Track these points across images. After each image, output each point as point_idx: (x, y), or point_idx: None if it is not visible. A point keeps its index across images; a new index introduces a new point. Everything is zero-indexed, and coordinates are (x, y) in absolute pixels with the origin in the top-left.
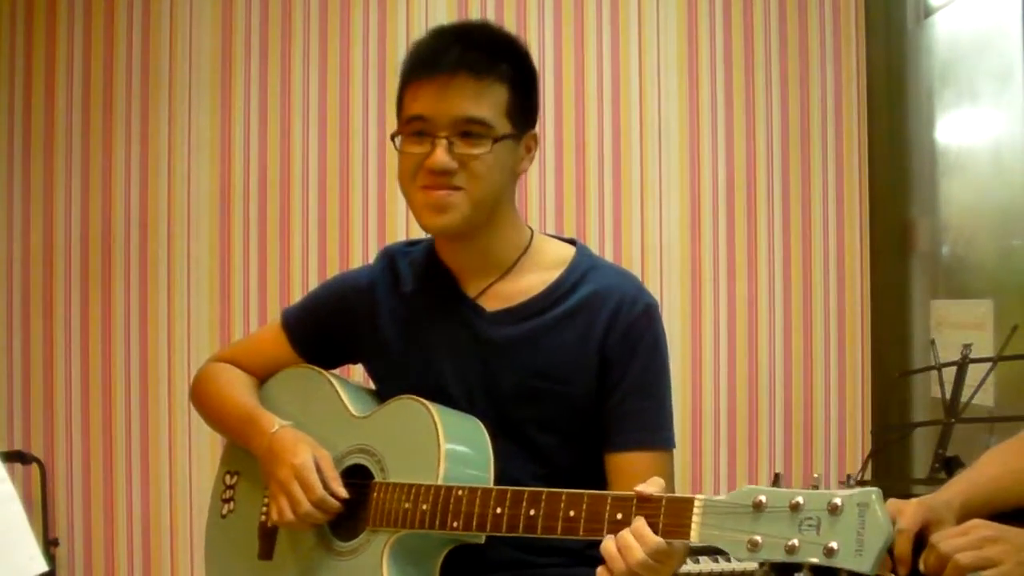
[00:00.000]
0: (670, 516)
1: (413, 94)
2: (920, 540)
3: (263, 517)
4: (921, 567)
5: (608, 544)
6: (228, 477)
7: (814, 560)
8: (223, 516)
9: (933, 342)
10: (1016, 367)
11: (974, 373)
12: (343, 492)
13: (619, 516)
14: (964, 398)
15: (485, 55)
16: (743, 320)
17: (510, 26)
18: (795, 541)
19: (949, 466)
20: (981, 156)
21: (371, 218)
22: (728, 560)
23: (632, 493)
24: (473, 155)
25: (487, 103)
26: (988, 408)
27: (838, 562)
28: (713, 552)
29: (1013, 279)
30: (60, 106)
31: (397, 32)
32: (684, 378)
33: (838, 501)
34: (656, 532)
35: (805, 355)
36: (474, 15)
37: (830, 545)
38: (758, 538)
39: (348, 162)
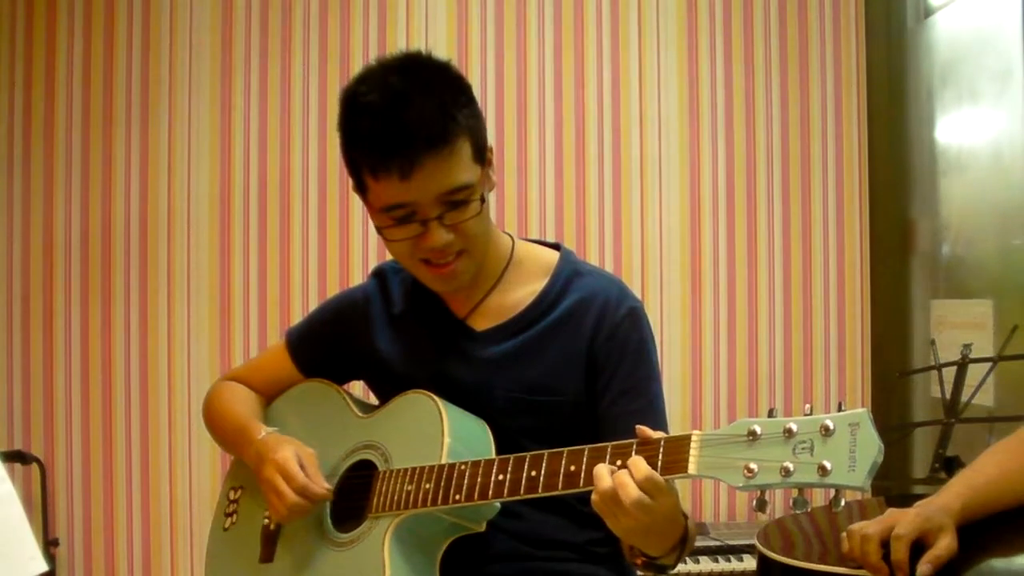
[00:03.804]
0: (669, 453)
1: (381, 184)
2: (917, 548)
3: (266, 521)
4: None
5: (600, 466)
6: (232, 492)
7: (809, 480)
8: (225, 529)
9: (933, 342)
10: (1016, 367)
11: (974, 373)
12: (323, 483)
13: (619, 463)
14: (964, 398)
15: (442, 117)
16: (743, 320)
17: (510, 27)
18: (790, 464)
19: (949, 466)
20: (981, 156)
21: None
22: (728, 560)
23: (631, 441)
24: (465, 219)
25: (460, 165)
26: (988, 408)
27: (832, 480)
28: (713, 552)
29: (1013, 279)
30: (60, 106)
31: (397, 32)
32: (684, 378)
33: (830, 423)
34: (656, 470)
35: (805, 355)
36: (474, 16)
37: (823, 464)
38: (754, 464)
39: None
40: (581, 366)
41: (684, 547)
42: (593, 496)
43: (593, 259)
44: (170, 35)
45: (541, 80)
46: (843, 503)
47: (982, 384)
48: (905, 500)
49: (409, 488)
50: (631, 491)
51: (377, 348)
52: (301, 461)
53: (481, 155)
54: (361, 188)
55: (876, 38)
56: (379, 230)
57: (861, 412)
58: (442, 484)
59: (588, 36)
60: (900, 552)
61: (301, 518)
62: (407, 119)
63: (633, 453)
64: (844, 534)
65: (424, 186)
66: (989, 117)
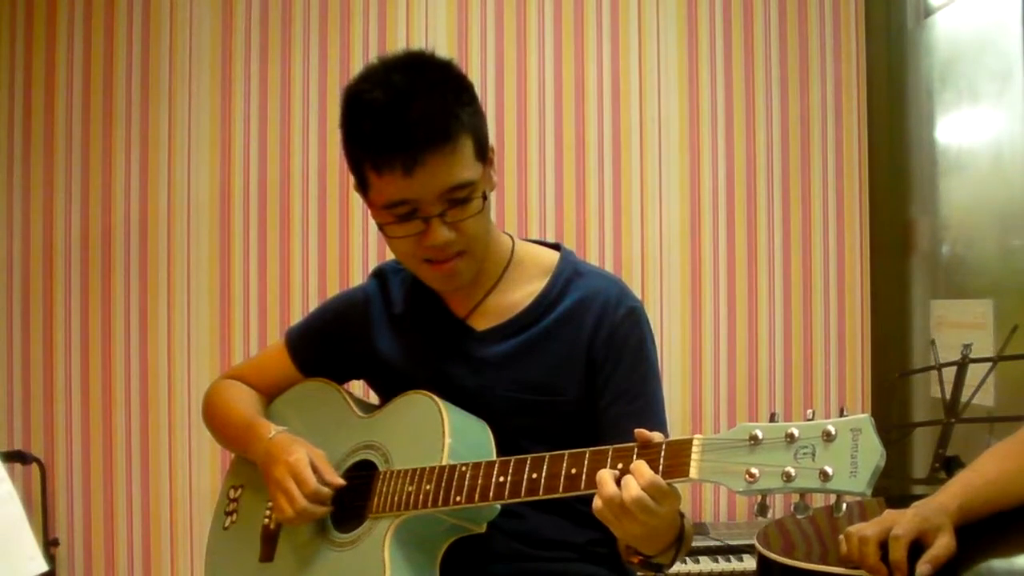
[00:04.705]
0: (670, 457)
1: (384, 180)
2: (916, 548)
3: (266, 520)
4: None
5: (603, 471)
6: (232, 491)
7: (811, 486)
8: (225, 528)
9: (933, 342)
10: (1016, 367)
11: (974, 373)
12: (338, 480)
13: (620, 466)
14: (964, 398)
15: (445, 115)
16: (743, 320)
17: (510, 27)
18: (791, 469)
19: (949, 466)
20: (981, 156)
21: (370, 217)
22: (728, 560)
23: (632, 444)
24: (466, 217)
25: (462, 162)
26: (988, 408)
27: (833, 486)
28: (713, 552)
29: (1013, 279)
30: (60, 106)
31: (397, 31)
32: (684, 378)
33: (831, 428)
34: (657, 474)
35: (805, 355)
36: (474, 16)
37: (825, 469)
38: (755, 469)
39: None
40: (581, 366)
41: (681, 546)
42: (596, 502)
43: (593, 259)
44: (170, 35)
45: (541, 80)
46: (844, 508)
47: (982, 384)
48: (905, 501)
49: (410, 489)
50: (636, 496)
51: (377, 348)
52: (314, 464)
53: (483, 153)
54: (363, 185)
55: (876, 38)
56: (380, 227)
57: (863, 418)
58: (443, 485)
59: (588, 36)
60: (898, 552)
61: (307, 522)
62: (410, 116)
63: (635, 457)
64: (842, 536)
65: (427, 183)
66: (989, 117)
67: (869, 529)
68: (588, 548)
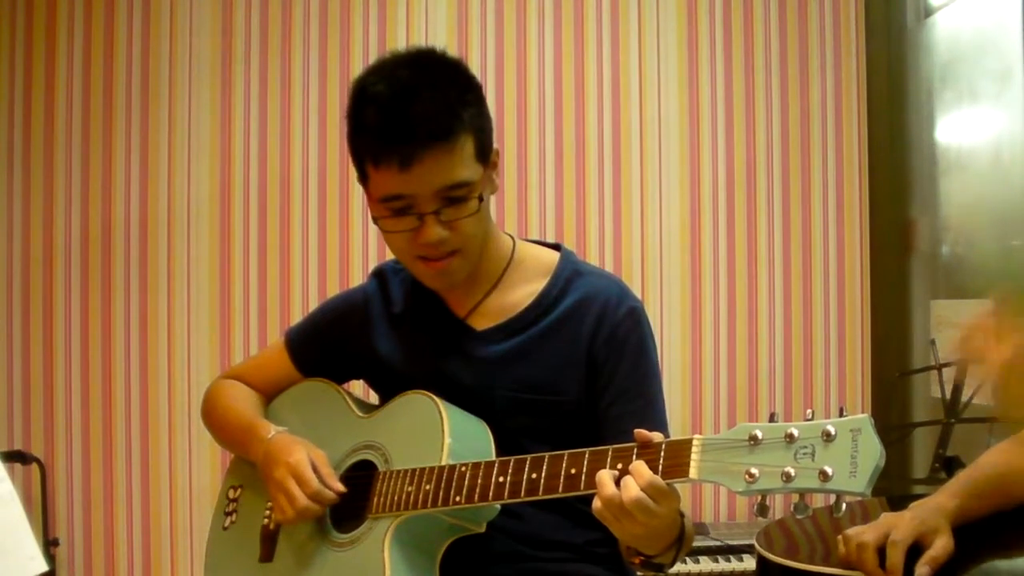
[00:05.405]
0: (670, 457)
1: (381, 173)
2: (914, 550)
3: (265, 520)
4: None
5: (603, 472)
6: (232, 491)
7: (810, 486)
8: (224, 528)
9: (933, 342)
10: None
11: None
12: (339, 486)
13: (620, 466)
14: (964, 398)
15: (447, 113)
16: (743, 320)
17: (510, 27)
18: (791, 469)
19: (949, 466)
20: (981, 156)
21: (370, 218)
22: (728, 560)
23: (632, 444)
24: (462, 217)
25: (461, 162)
26: (988, 408)
27: (833, 486)
28: (713, 552)
29: (1013, 279)
30: (60, 106)
31: (397, 32)
32: (684, 378)
33: (831, 428)
34: (657, 474)
35: (805, 355)
36: (474, 16)
37: (825, 470)
38: (755, 469)
39: (347, 162)
40: (581, 366)
41: (681, 545)
42: (595, 503)
43: (593, 259)
44: (170, 35)
45: (541, 80)
46: (844, 508)
47: (982, 384)
48: (905, 501)
49: (409, 489)
50: (635, 497)
51: (377, 349)
52: (314, 464)
53: (484, 156)
54: (363, 177)
55: (876, 38)
56: (375, 220)
57: (863, 418)
58: (442, 485)
59: (588, 36)
60: (896, 558)
61: (307, 521)
62: (411, 112)
63: (634, 457)
64: (840, 537)
65: (423, 179)
66: (989, 117)
67: (867, 534)
68: (588, 548)
